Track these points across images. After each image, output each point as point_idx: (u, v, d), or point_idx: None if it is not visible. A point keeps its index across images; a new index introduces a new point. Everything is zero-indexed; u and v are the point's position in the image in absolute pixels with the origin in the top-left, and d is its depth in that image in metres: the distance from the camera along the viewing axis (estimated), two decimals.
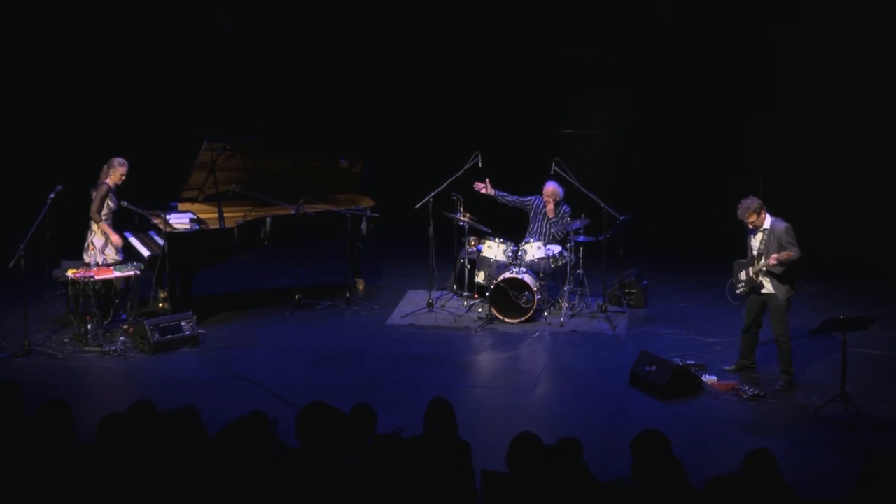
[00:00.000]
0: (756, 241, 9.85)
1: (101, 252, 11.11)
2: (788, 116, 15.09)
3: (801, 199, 14.94)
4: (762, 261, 9.75)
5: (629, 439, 5.62)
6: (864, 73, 14.46)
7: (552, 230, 12.20)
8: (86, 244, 11.18)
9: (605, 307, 12.02)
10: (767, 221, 9.82)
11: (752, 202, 9.78)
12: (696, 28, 15.29)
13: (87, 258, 11.07)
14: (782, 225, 9.78)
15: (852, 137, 14.66)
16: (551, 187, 12.12)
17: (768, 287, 9.82)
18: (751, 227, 9.87)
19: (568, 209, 12.21)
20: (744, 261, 10.00)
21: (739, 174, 15.28)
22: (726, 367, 10.30)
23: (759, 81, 15.17)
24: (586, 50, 15.87)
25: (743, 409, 9.46)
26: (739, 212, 9.82)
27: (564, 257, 11.89)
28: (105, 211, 11.15)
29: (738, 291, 10.02)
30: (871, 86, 14.42)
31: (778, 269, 9.73)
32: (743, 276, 9.96)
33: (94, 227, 11.14)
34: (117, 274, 10.87)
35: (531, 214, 12.30)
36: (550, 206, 12.16)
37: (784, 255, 9.61)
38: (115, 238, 11.19)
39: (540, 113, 16.26)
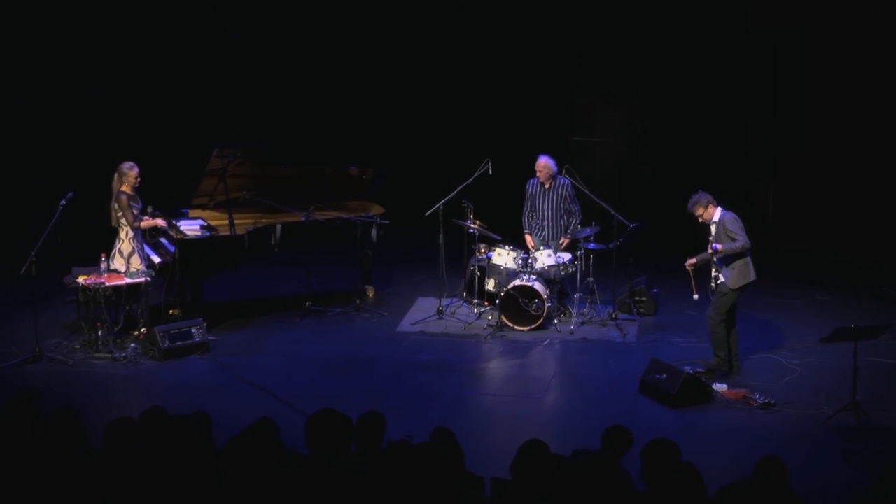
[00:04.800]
0: (711, 236, 10.19)
1: (127, 261, 11.04)
2: (797, 124, 15.06)
3: (811, 206, 14.94)
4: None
5: (639, 447, 5.61)
6: (871, 80, 14.44)
7: (557, 202, 12.04)
8: (112, 252, 11.10)
9: (616, 315, 12.01)
10: (717, 215, 10.16)
11: (701, 196, 10.18)
12: (707, 36, 15.27)
13: (111, 265, 10.99)
14: (728, 216, 10.14)
15: (862, 144, 14.63)
16: (543, 160, 12.00)
17: (721, 276, 10.19)
18: (701, 221, 10.24)
19: (567, 181, 12.06)
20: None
21: (749, 181, 15.28)
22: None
23: (768, 86, 15.14)
24: (597, 58, 15.85)
25: (753, 417, 9.44)
26: (689, 206, 10.22)
27: (575, 265, 11.89)
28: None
29: (712, 286, 10.34)
30: (879, 93, 14.40)
31: (722, 258, 10.06)
32: (714, 272, 10.29)
33: (122, 234, 11.06)
34: (128, 280, 10.88)
35: (534, 200, 12.20)
36: (544, 178, 12.05)
37: (721, 247, 9.95)
38: (160, 221, 11.30)
39: (551, 120, 16.26)
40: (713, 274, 10.30)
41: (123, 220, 11.01)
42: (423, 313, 12.28)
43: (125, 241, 11.07)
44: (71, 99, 16.17)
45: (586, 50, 15.89)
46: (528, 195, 12.24)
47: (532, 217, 12.23)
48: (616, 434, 6.13)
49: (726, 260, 10.08)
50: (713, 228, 10.17)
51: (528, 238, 12.21)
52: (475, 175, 12.05)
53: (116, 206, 11.00)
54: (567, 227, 12.09)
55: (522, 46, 16.13)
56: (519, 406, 9.86)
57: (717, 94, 15.42)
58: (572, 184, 12.02)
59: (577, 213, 12.10)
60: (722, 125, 15.53)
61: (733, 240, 9.98)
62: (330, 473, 5.42)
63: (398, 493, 5.27)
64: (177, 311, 11.51)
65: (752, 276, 10.16)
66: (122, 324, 11.06)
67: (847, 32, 14.42)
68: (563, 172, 11.94)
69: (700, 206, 10.15)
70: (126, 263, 11.01)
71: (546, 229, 12.15)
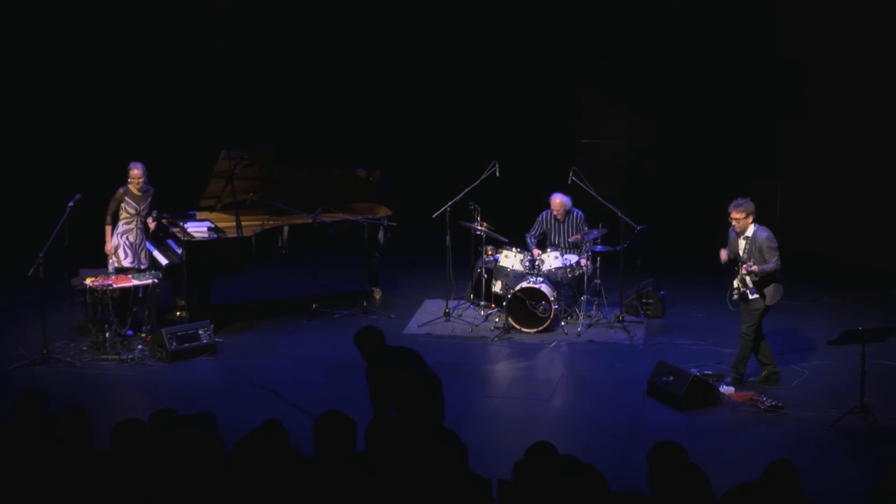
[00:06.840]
0: (740, 249, 10.00)
1: (113, 254, 11.26)
2: (807, 127, 15.03)
3: (819, 208, 14.91)
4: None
5: (646, 450, 5.59)
6: (884, 81, 14.42)
7: (569, 240, 12.19)
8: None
9: (623, 317, 12.00)
10: (751, 230, 9.96)
11: (747, 203, 9.95)
12: (714, 35, 15.26)
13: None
14: (764, 234, 9.95)
15: (871, 147, 14.61)
16: (558, 200, 12.12)
17: (750, 293, 10.00)
18: (733, 223, 9.99)
19: (580, 213, 12.21)
20: (736, 268, 10.16)
21: (758, 183, 15.24)
22: (753, 379, 10.25)
23: (780, 90, 15.11)
24: (604, 60, 15.84)
25: (761, 420, 9.43)
26: (731, 205, 9.96)
27: (581, 267, 11.88)
28: (125, 215, 11.22)
29: (734, 298, 10.16)
30: (890, 95, 14.37)
31: (754, 278, 9.88)
32: (735, 283, 10.10)
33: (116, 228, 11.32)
34: (135, 282, 10.92)
35: (548, 231, 12.30)
36: (560, 215, 12.17)
37: (756, 267, 9.77)
38: (108, 245, 11.27)
39: (557, 122, 16.26)
40: (736, 284, 10.06)
41: (121, 214, 11.22)
42: (430, 315, 12.28)
43: (114, 234, 11.25)
44: (79, 101, 16.20)
45: (592, 52, 15.87)
46: (539, 224, 12.32)
47: (543, 243, 12.28)
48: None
49: (753, 279, 9.91)
50: (742, 243, 9.97)
51: (535, 252, 12.20)
52: (482, 177, 12.06)
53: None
54: (577, 245, 12.14)
55: (529, 49, 16.12)
56: (526, 408, 9.86)
57: (726, 95, 15.39)
58: (583, 215, 12.17)
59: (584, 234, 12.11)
60: (731, 127, 15.49)
61: (767, 261, 9.85)
62: (334, 474, 5.42)
63: (402, 492, 5.27)
64: (184, 313, 11.53)
65: (783, 290, 10.08)
66: (129, 325, 11.09)
67: (851, 31, 14.42)
68: (570, 174, 11.94)
69: (743, 210, 9.88)
70: (112, 256, 11.18)
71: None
